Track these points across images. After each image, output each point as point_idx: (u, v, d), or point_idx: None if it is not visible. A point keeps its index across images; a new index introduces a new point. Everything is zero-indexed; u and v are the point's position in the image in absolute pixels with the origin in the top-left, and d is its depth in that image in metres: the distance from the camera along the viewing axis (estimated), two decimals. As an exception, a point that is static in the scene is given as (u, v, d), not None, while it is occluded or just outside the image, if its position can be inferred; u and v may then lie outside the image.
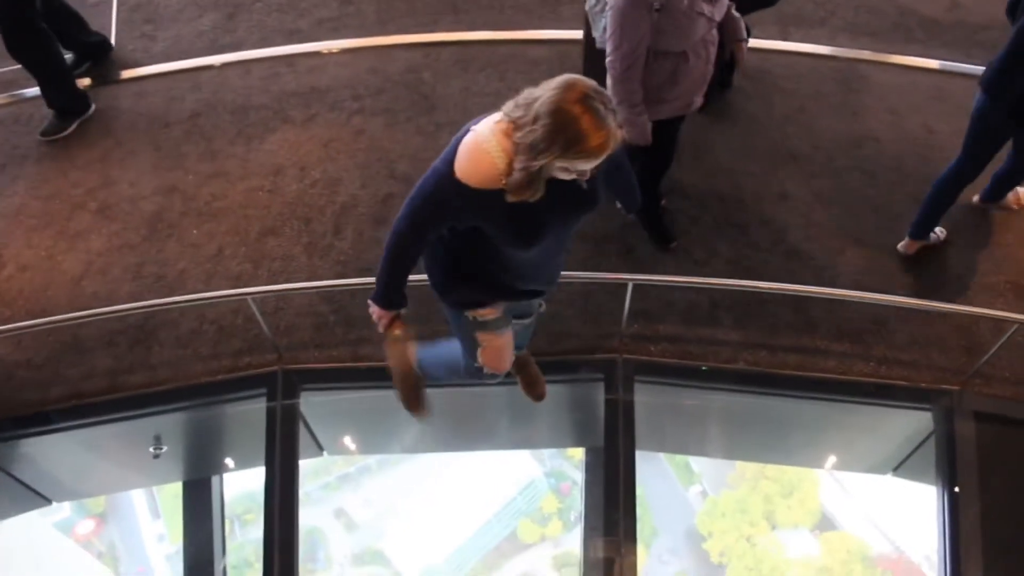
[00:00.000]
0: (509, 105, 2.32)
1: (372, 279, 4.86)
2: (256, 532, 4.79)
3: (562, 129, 2.13)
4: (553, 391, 4.82)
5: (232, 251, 5.41)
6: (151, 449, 5.44)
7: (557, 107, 2.13)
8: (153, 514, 19.00)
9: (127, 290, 5.27)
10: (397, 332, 3.09)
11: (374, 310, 2.98)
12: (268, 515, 4.64)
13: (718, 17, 4.03)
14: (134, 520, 19.05)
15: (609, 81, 4.08)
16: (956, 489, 4.64)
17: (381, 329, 3.04)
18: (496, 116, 2.36)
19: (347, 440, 5.92)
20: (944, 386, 4.84)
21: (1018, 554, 4.54)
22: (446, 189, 2.40)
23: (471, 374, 3.30)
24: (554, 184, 2.35)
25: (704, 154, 5.77)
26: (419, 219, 2.57)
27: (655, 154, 4.71)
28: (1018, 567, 4.53)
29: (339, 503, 20.29)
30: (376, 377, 4.86)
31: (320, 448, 5.45)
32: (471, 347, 3.16)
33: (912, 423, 5.13)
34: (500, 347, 3.12)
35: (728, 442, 6.14)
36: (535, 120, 2.17)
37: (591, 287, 5.00)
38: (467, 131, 2.43)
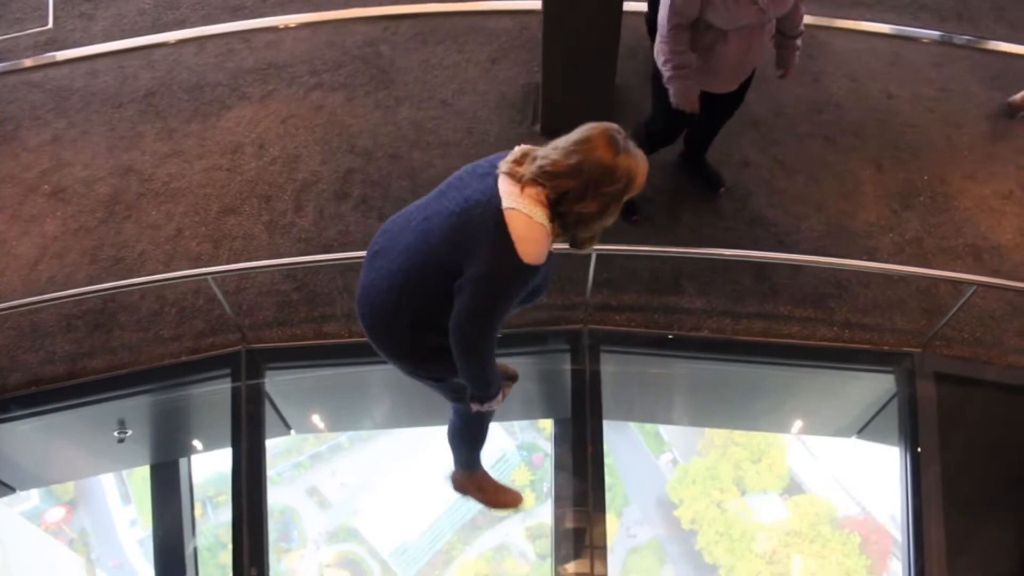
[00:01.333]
0: (536, 168, 2.35)
1: (334, 256, 4.86)
2: (228, 514, 4.78)
3: (624, 182, 2.30)
4: (520, 363, 4.81)
5: (192, 231, 5.34)
6: (115, 433, 5.37)
7: (607, 166, 2.27)
8: (124, 499, 18.82)
9: (85, 273, 5.19)
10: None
11: (492, 404, 2.84)
12: (236, 495, 4.61)
13: (772, 12, 4.01)
14: (104, 506, 18.86)
15: (657, 38, 4.15)
16: (918, 449, 4.72)
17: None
18: (511, 187, 2.37)
19: (315, 418, 5.88)
20: (906, 349, 4.91)
21: (977, 509, 4.63)
22: (523, 276, 2.41)
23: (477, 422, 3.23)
24: None
25: (666, 123, 5.77)
26: (498, 312, 2.49)
27: (665, 127, 4.74)
28: (977, 522, 4.62)
29: (311, 482, 20.25)
30: (341, 354, 4.85)
31: (287, 427, 5.41)
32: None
33: (875, 386, 5.20)
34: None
35: (695, 410, 6.18)
36: (586, 189, 2.29)
37: (555, 257, 4.96)
38: (497, 200, 2.37)
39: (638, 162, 2.32)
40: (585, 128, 2.33)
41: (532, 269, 2.37)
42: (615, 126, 2.32)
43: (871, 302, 5.00)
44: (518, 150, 2.46)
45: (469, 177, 2.56)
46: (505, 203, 2.35)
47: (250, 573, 4.48)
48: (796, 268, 5.00)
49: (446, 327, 2.51)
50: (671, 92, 4.23)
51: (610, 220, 2.43)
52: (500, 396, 2.82)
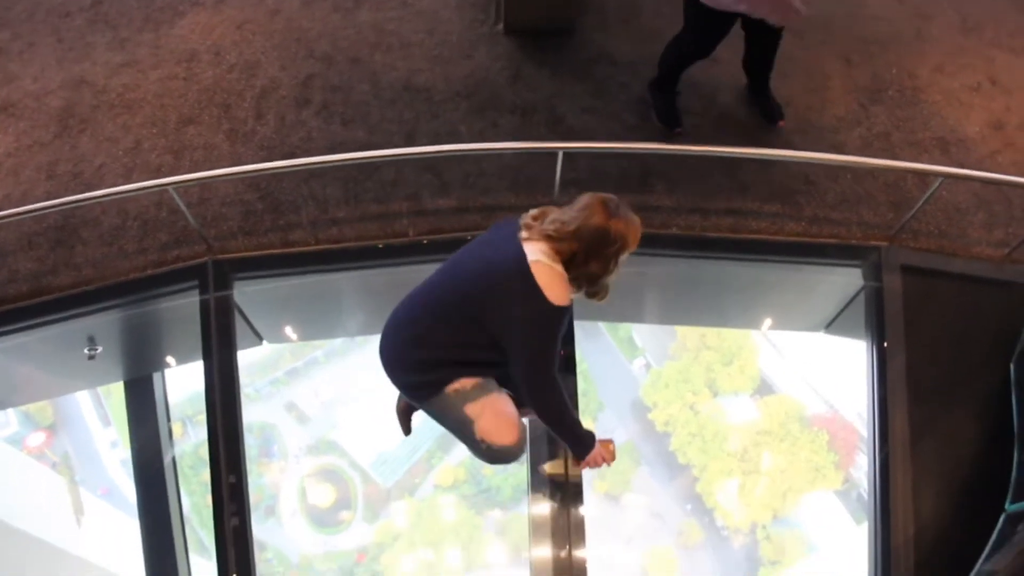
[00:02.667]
0: (548, 227, 2.65)
1: (298, 161, 4.75)
2: (206, 433, 4.82)
3: (621, 243, 2.62)
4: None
5: (151, 143, 5.21)
6: (86, 351, 5.33)
7: (605, 230, 2.60)
8: (104, 422, 18.91)
9: (43, 190, 5.07)
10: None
11: (593, 458, 3.05)
12: (210, 406, 4.60)
13: None
14: (85, 429, 18.95)
15: None
16: (884, 341, 4.79)
17: (612, 458, 3.12)
18: (533, 241, 2.66)
19: (287, 328, 5.87)
20: (873, 242, 4.94)
21: (940, 398, 4.73)
22: (559, 317, 2.66)
23: (492, 458, 3.12)
24: None
25: (632, 19, 5.66)
26: (551, 357, 2.75)
27: (699, 37, 4.68)
28: (940, 410, 4.72)
29: (289, 397, 20.43)
30: (308, 262, 4.81)
31: (259, 337, 5.38)
32: (468, 430, 2.99)
33: (843, 280, 5.25)
34: (497, 412, 2.94)
35: (666, 308, 6.22)
36: (590, 250, 2.61)
37: (521, 158, 4.94)
38: (521, 255, 2.63)
39: (629, 224, 2.64)
40: (584, 197, 2.66)
41: (562, 310, 2.63)
42: (611, 196, 2.66)
43: (839, 197, 5.01)
44: (535, 210, 2.76)
45: (489, 241, 2.85)
46: (530, 256, 2.62)
47: (228, 481, 4.51)
48: (765, 164, 4.99)
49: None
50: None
51: (613, 275, 2.73)
52: (595, 454, 3.03)
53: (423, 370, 2.93)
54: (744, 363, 19.46)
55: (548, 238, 2.63)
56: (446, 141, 5.05)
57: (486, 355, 2.83)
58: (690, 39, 4.71)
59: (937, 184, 4.60)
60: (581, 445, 2.99)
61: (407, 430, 3.50)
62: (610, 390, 20.03)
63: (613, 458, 3.03)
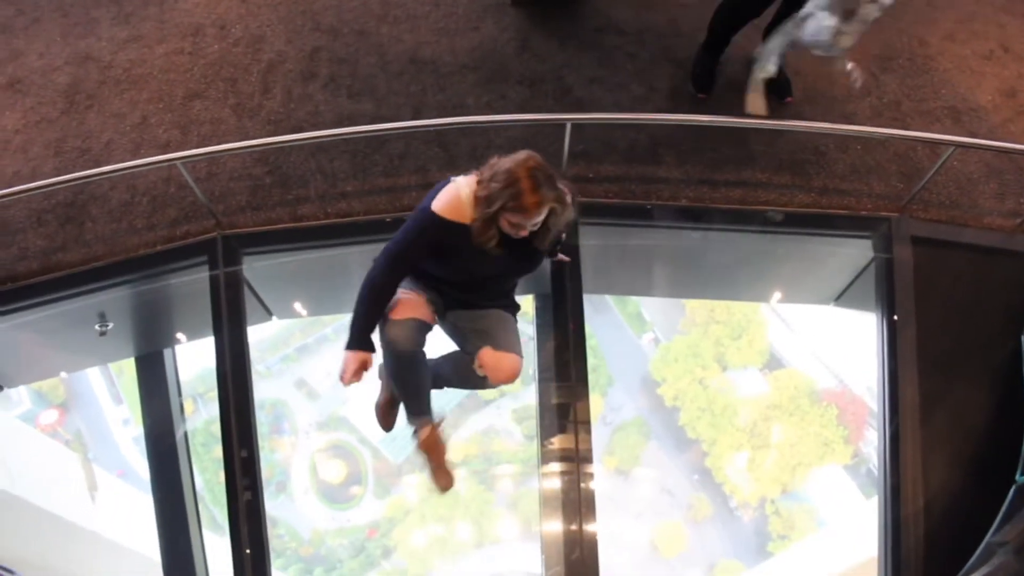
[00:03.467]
0: (483, 167, 2.88)
1: (305, 135, 4.76)
2: (218, 409, 4.84)
3: (508, 187, 2.76)
4: (498, 240, 4.81)
5: (157, 118, 5.20)
6: (96, 327, 5.35)
7: (508, 171, 2.77)
8: (115, 399, 19.09)
9: (51, 166, 5.07)
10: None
11: (348, 357, 3.07)
12: (221, 380, 4.62)
13: None
14: (96, 407, 19.14)
15: None
16: (894, 312, 4.77)
17: (349, 377, 3.08)
18: (473, 175, 2.92)
19: (296, 304, 5.87)
20: (883, 213, 4.91)
21: (951, 369, 4.72)
22: (426, 221, 2.92)
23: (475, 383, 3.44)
24: (506, 242, 2.94)
25: (639, -12, 5.60)
26: (403, 245, 2.98)
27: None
28: (950, 381, 4.71)
29: (299, 374, 20.58)
30: (318, 236, 4.81)
31: (269, 312, 5.39)
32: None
33: (853, 251, 5.23)
34: (401, 299, 3.14)
35: (675, 281, 6.19)
36: (491, 179, 2.79)
37: (529, 130, 4.90)
38: (447, 181, 2.96)
39: (534, 190, 2.76)
40: (525, 154, 2.83)
41: (433, 216, 2.88)
42: (546, 167, 2.82)
43: (849, 167, 4.98)
44: None
45: None
46: (454, 178, 2.95)
47: (240, 455, 4.54)
48: (774, 134, 4.95)
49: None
50: None
51: (493, 214, 2.83)
52: (351, 355, 3.05)
53: None
54: (753, 337, 19.46)
55: (478, 173, 2.90)
56: (453, 113, 5.03)
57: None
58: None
59: (948, 154, 4.57)
60: (354, 339, 3.06)
61: (388, 426, 3.68)
62: (619, 365, 20.07)
63: (344, 381, 3.05)
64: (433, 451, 3.49)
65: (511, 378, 3.26)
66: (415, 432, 3.44)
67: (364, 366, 3.06)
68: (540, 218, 2.84)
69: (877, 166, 4.99)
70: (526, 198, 2.76)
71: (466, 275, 3.11)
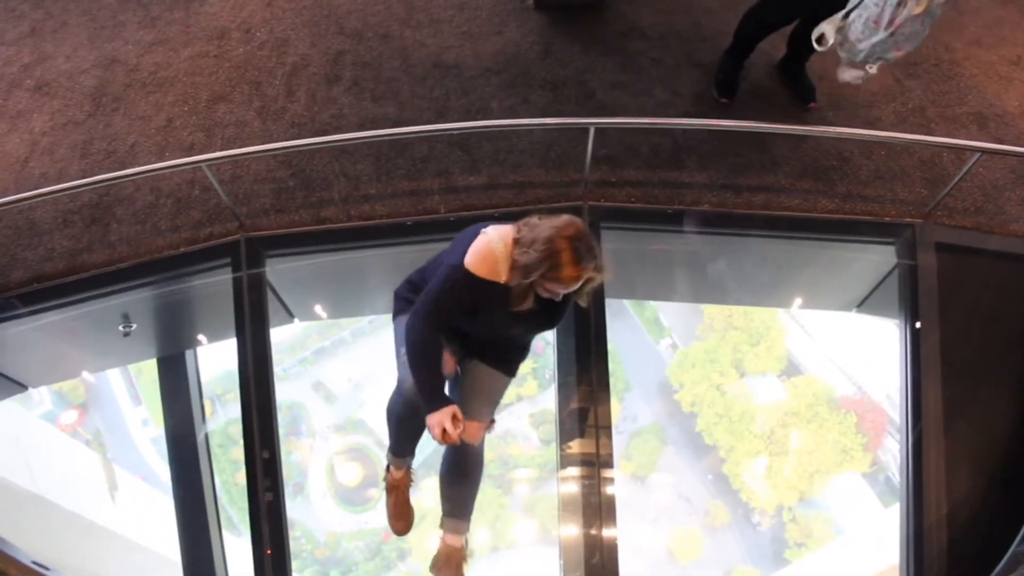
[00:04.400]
0: (521, 224, 2.81)
1: (330, 138, 4.78)
2: (237, 410, 4.85)
3: (548, 258, 2.66)
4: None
5: (182, 121, 5.24)
6: (120, 328, 5.39)
7: (550, 239, 2.66)
8: (134, 400, 19.23)
9: (77, 168, 5.12)
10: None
11: (435, 421, 2.89)
12: (243, 382, 4.64)
13: None
14: (116, 407, 19.28)
15: None
16: (918, 318, 4.74)
17: (450, 433, 2.89)
18: (507, 228, 2.84)
19: (316, 306, 5.90)
20: (907, 220, 4.88)
21: (974, 377, 4.68)
22: (458, 278, 2.80)
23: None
24: (539, 302, 2.88)
25: (662, -7, 5.60)
26: (437, 302, 2.86)
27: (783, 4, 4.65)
28: (974, 389, 4.67)
29: (317, 376, 20.65)
30: (341, 239, 4.83)
31: (291, 315, 5.43)
32: (398, 355, 3.21)
33: (876, 258, 5.19)
34: None
35: (696, 286, 6.17)
36: (531, 244, 2.69)
37: (553, 134, 4.92)
38: (476, 231, 2.87)
39: (575, 259, 2.66)
40: (566, 219, 2.74)
41: (464, 272, 2.77)
42: (588, 237, 2.73)
43: (873, 173, 4.95)
44: None
45: None
46: (487, 230, 2.85)
47: (262, 456, 4.56)
48: (797, 139, 4.93)
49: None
50: None
51: (535, 288, 2.78)
52: (437, 416, 2.89)
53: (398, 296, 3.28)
54: (772, 343, 19.35)
55: (516, 224, 2.82)
56: (476, 117, 5.05)
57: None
58: (774, 5, 4.65)
59: (974, 160, 4.53)
60: (431, 403, 2.90)
61: (405, 528, 3.77)
62: (636, 370, 20.01)
63: (447, 440, 2.88)
64: (393, 493, 3.62)
65: (470, 439, 3.23)
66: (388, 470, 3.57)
67: (455, 417, 2.89)
68: (578, 285, 2.76)
69: (901, 172, 4.95)
70: (566, 271, 2.67)
71: (490, 330, 3.07)
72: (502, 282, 2.80)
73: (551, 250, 2.66)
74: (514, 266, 2.75)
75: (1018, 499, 4.27)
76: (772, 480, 19.18)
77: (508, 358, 3.26)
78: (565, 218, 2.74)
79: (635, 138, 4.96)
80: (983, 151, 4.56)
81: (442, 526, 3.49)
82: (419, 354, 2.87)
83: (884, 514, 17.17)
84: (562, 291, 2.77)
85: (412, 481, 3.64)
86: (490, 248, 2.79)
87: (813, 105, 5.06)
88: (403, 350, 2.95)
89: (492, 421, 3.33)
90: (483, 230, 2.87)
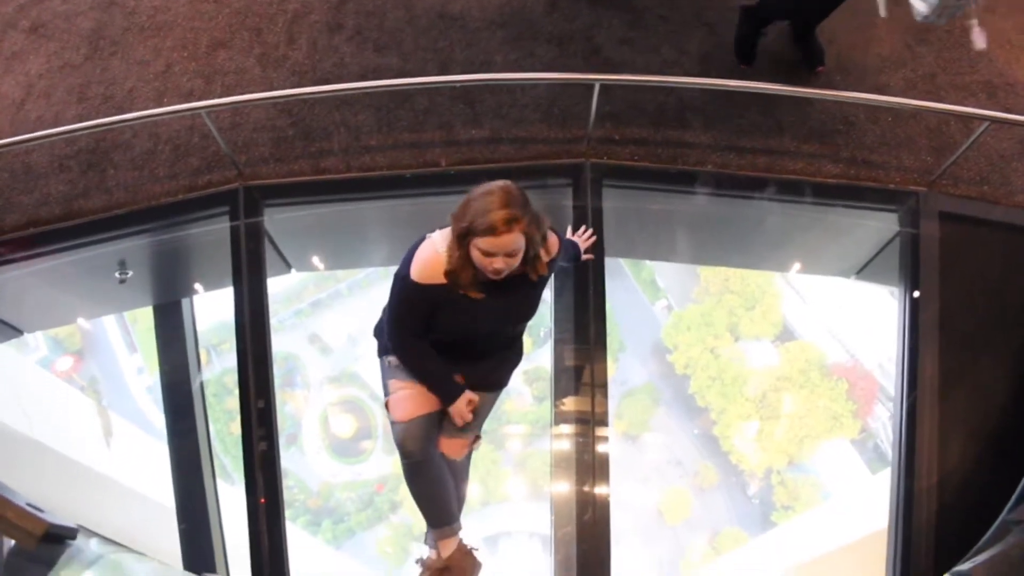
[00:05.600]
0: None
1: (331, 87, 4.73)
2: (233, 360, 4.85)
3: (476, 200, 2.58)
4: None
5: (181, 67, 5.16)
6: (116, 275, 5.37)
7: (481, 188, 2.61)
8: (130, 348, 19.32)
9: (73, 112, 5.06)
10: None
11: (455, 411, 3.07)
12: (239, 331, 4.63)
13: None
14: (111, 355, 19.37)
15: None
16: (918, 287, 4.72)
17: (468, 416, 3.08)
18: (449, 229, 2.72)
19: (314, 258, 5.87)
20: (912, 187, 4.83)
21: (971, 347, 4.68)
22: (407, 290, 2.80)
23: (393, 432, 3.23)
24: (493, 290, 2.78)
25: (672, -50, 5.48)
26: (399, 318, 2.93)
27: None
28: (972, 358, 4.68)
29: (312, 329, 20.74)
30: (339, 190, 4.78)
31: (288, 265, 5.39)
32: (385, 393, 3.22)
33: (878, 225, 5.16)
34: (403, 397, 3.07)
35: (697, 247, 6.13)
36: (462, 208, 2.61)
37: (557, 89, 4.86)
38: (422, 239, 2.83)
39: (504, 206, 2.56)
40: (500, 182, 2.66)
41: (411, 283, 2.77)
42: (518, 199, 2.62)
43: (879, 139, 4.90)
44: None
45: None
46: (430, 234, 2.81)
47: (256, 405, 4.56)
48: (803, 103, 4.87)
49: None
50: None
51: (466, 251, 2.66)
52: (458, 406, 3.05)
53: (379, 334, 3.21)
54: (767, 308, 19.45)
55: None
56: (480, 70, 4.98)
57: None
58: None
59: (982, 129, 4.48)
60: (446, 398, 3.03)
61: None
62: (631, 331, 20.11)
63: (468, 416, 3.05)
64: (460, 568, 3.27)
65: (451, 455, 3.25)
66: (433, 547, 3.26)
67: (471, 404, 3.04)
68: (514, 247, 2.62)
69: (908, 139, 4.90)
70: (494, 214, 2.54)
71: (461, 332, 2.97)
72: (447, 283, 2.76)
73: (482, 193, 2.59)
74: (452, 236, 2.68)
75: (1010, 468, 4.29)
76: (762, 443, 19.39)
77: (497, 371, 3.22)
78: (498, 182, 2.68)
79: (640, 96, 4.90)
80: (992, 120, 4.50)
81: (427, 541, 3.32)
82: (415, 359, 2.98)
83: (872, 480, 17.36)
84: (498, 250, 2.61)
85: (470, 549, 3.35)
86: (433, 251, 2.76)
87: (821, 69, 5.00)
88: (390, 388, 3.07)
89: (477, 437, 3.31)
90: (428, 236, 2.83)
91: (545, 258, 2.84)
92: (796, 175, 4.81)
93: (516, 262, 2.67)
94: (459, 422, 3.05)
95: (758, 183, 4.82)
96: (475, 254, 2.63)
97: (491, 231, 2.56)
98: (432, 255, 2.75)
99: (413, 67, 5.02)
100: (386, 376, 3.15)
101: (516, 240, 2.60)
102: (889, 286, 5.21)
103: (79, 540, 2.89)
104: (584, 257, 3.81)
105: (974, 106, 4.94)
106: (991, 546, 3.98)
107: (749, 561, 16.53)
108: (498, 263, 2.63)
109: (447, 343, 2.99)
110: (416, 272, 2.77)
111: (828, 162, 4.84)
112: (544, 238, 2.76)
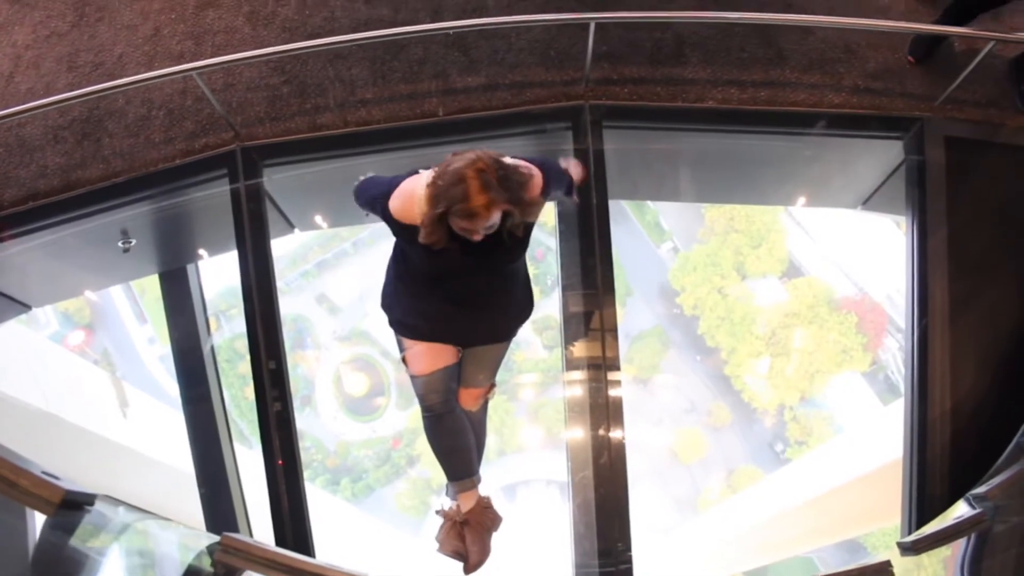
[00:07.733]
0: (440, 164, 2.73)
1: (323, 41, 4.62)
2: (242, 325, 4.86)
3: (453, 186, 2.59)
4: (520, 145, 4.73)
5: (170, 29, 5.08)
6: (120, 244, 5.35)
7: (457, 171, 2.60)
8: (140, 319, 19.41)
9: (64, 82, 5.01)
10: None
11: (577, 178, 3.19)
12: (246, 293, 4.62)
13: None
14: (121, 326, 19.47)
15: None
16: (926, 213, 4.68)
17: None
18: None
19: (317, 216, 5.83)
20: (916, 113, 4.76)
21: (980, 272, 4.65)
22: (384, 211, 2.87)
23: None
24: (468, 242, 2.76)
25: None
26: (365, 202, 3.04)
27: None
28: (981, 283, 4.65)
29: (320, 289, 20.79)
30: (338, 145, 4.74)
31: (291, 225, 5.37)
32: (400, 349, 3.23)
33: (882, 153, 5.10)
34: (420, 351, 3.09)
35: (699, 185, 6.08)
36: (441, 177, 2.62)
37: (552, 31, 4.78)
38: (415, 172, 2.87)
39: (481, 193, 2.58)
40: (477, 153, 2.65)
41: (390, 218, 2.84)
42: (500, 162, 2.65)
43: (881, 66, 4.82)
44: None
45: None
46: (423, 169, 2.83)
47: (268, 367, 4.57)
48: (804, 31, 4.79)
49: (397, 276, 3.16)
50: None
51: (440, 215, 2.66)
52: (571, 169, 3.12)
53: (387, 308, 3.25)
54: (772, 246, 19.39)
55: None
56: (473, 16, 4.91)
57: None
58: None
59: (986, 49, 4.40)
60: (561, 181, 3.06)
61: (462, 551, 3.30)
62: (638, 274, 20.10)
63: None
64: (479, 522, 3.22)
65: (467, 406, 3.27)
66: (454, 499, 3.22)
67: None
68: (492, 221, 2.65)
69: (911, 64, 4.82)
70: (473, 200, 2.57)
71: (437, 271, 2.95)
72: (416, 223, 2.77)
73: (457, 178, 2.58)
74: (427, 197, 2.68)
75: (1022, 391, 4.29)
76: (773, 381, 19.48)
77: (500, 321, 3.20)
78: (474, 152, 2.66)
79: (637, 34, 4.82)
80: (996, 39, 4.42)
81: (448, 493, 3.29)
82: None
83: (884, 412, 17.47)
84: (478, 227, 2.65)
85: (490, 503, 3.30)
86: (413, 190, 2.79)
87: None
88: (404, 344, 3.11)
89: (492, 386, 3.31)
90: (420, 171, 2.86)
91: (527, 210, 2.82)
92: (799, 106, 4.75)
93: (495, 227, 2.71)
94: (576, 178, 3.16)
95: (760, 116, 4.76)
96: (453, 222, 2.66)
97: (470, 216, 2.61)
98: (411, 195, 2.79)
99: (405, 16, 4.94)
100: (400, 343, 3.19)
101: (495, 216, 2.64)
102: (896, 215, 5.15)
103: (107, 509, 2.91)
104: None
105: (978, 28, 4.85)
106: (1006, 468, 4.00)
107: (765, 497, 16.70)
108: (477, 236, 2.69)
109: (443, 294, 3.01)
110: (394, 204, 2.83)
111: (830, 92, 4.77)
112: (524, 200, 2.73)
